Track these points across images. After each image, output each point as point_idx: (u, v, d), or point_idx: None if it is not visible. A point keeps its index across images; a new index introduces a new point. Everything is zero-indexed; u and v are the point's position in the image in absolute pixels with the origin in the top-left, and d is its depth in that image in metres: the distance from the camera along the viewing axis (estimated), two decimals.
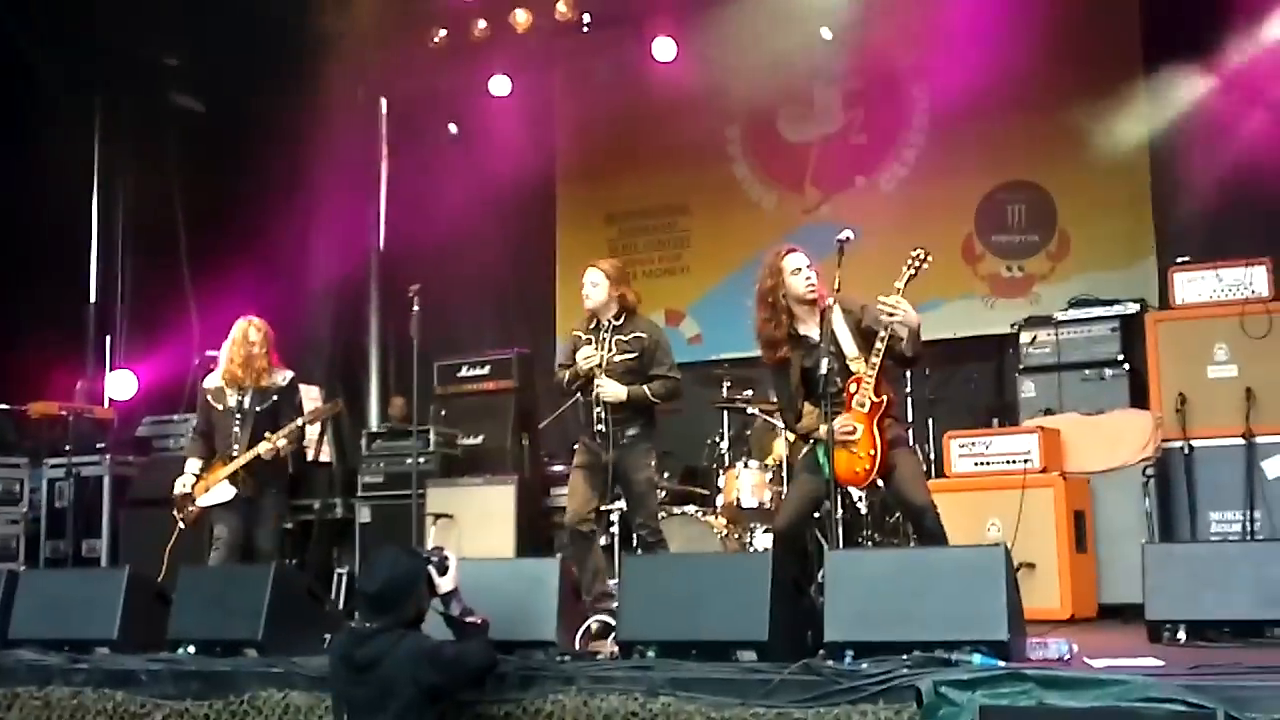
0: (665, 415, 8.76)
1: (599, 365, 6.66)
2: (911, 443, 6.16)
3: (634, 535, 6.92)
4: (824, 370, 5.73)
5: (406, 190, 11.53)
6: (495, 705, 4.85)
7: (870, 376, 5.83)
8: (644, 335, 6.76)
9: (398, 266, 11.16)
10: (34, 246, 9.56)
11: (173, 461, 9.34)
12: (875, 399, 5.82)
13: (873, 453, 5.83)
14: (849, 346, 5.92)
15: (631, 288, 6.90)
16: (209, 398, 7.25)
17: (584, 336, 6.85)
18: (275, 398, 7.18)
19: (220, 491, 7.06)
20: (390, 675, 4.45)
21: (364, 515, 9.80)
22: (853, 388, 5.86)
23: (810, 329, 6.02)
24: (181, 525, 7.21)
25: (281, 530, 7.52)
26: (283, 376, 7.27)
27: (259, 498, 7.10)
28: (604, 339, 6.75)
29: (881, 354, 5.80)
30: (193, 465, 7.19)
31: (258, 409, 7.13)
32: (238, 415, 7.12)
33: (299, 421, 7.14)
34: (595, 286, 6.80)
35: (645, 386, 6.65)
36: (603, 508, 7.25)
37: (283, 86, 10.36)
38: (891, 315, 5.73)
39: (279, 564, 6.23)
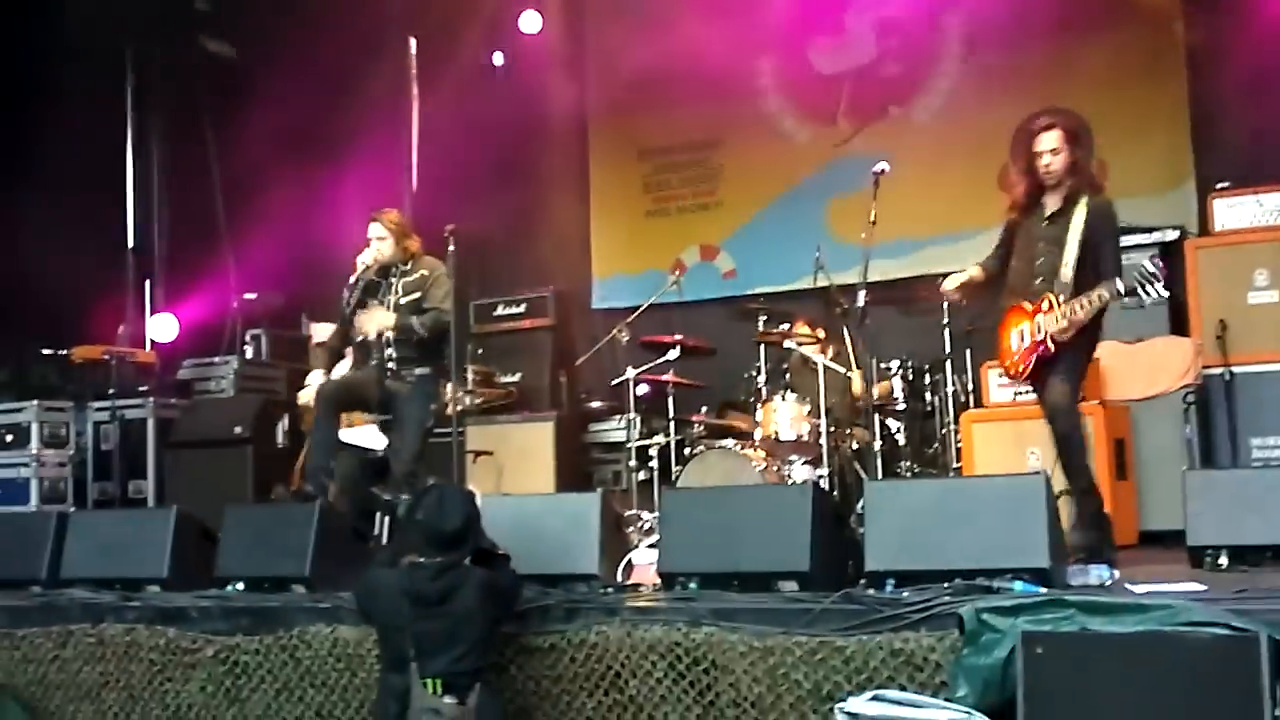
0: (702, 354, 8.83)
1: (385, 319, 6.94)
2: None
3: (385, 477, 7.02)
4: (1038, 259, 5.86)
5: (438, 130, 11.50)
6: (540, 637, 4.93)
7: (1061, 318, 5.74)
8: (425, 272, 7.04)
9: (432, 206, 11.15)
10: (72, 195, 9.59)
11: (213, 403, 9.48)
12: (1040, 338, 5.80)
13: (1022, 368, 5.94)
14: (1070, 252, 5.83)
15: (414, 238, 7.13)
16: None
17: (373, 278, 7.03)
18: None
19: (369, 436, 7.13)
20: (464, 609, 4.55)
21: None
22: (1044, 305, 5.82)
23: (1050, 199, 5.99)
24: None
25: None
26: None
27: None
28: (392, 284, 7.03)
29: (1084, 311, 5.73)
30: (316, 377, 7.16)
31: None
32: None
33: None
34: (382, 240, 7.02)
35: (413, 317, 6.90)
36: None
37: (312, 29, 10.33)
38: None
39: (323, 501, 6.30)
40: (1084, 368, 6.03)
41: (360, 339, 7.16)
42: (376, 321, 6.96)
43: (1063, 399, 5.83)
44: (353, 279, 7.04)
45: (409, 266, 7.07)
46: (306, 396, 7.20)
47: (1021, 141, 6.05)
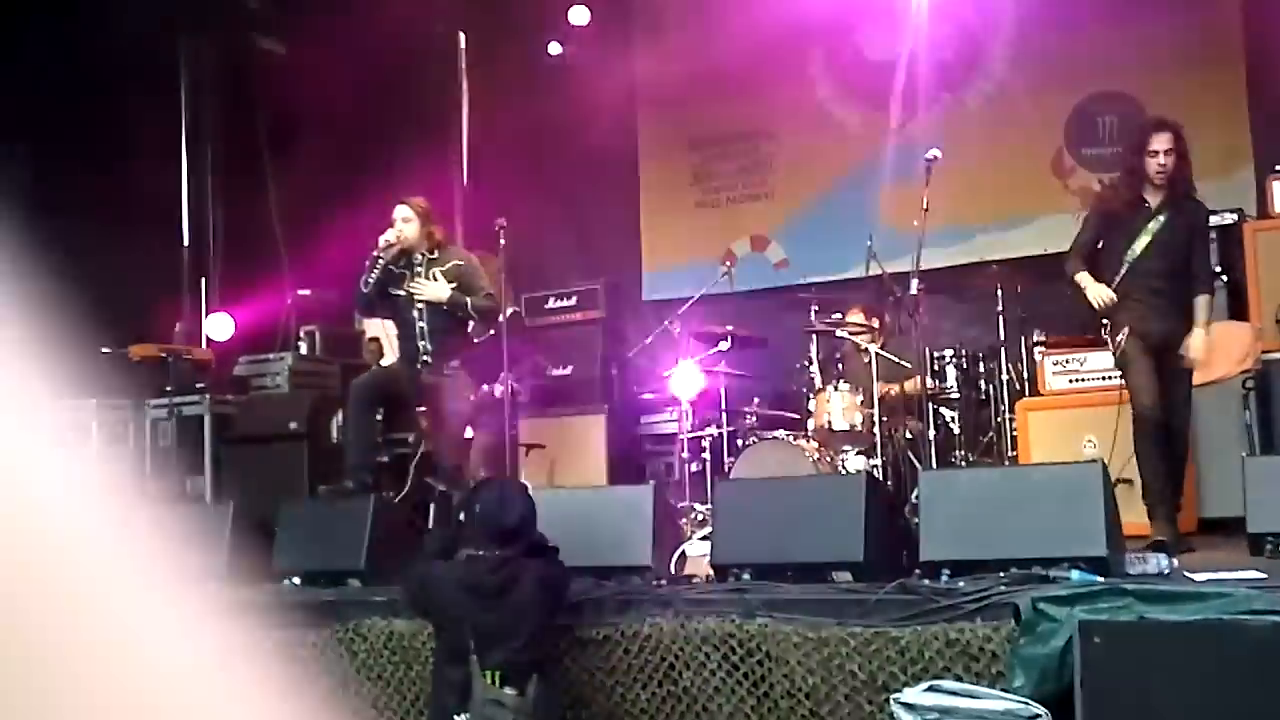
0: (753, 345, 8.80)
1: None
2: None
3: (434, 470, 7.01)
4: (1136, 252, 6.00)
5: (488, 124, 11.53)
6: (594, 629, 4.93)
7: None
8: (460, 262, 7.01)
9: (482, 200, 11.21)
10: (127, 193, 9.70)
11: (268, 399, 9.56)
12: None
13: None
14: (1139, 243, 6.04)
15: (438, 226, 7.12)
16: None
17: (394, 269, 6.96)
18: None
19: None
20: (522, 601, 4.57)
21: None
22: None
23: (1153, 197, 6.10)
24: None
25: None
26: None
27: None
28: (419, 272, 6.96)
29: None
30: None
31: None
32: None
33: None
34: (407, 222, 6.97)
35: (467, 297, 6.89)
36: None
37: (363, 26, 10.38)
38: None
39: (377, 496, 6.34)
40: None
41: (399, 332, 7.19)
42: (432, 291, 6.93)
43: (1187, 400, 6.14)
44: (374, 254, 6.96)
45: (436, 255, 7.03)
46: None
47: (1130, 155, 6.20)
